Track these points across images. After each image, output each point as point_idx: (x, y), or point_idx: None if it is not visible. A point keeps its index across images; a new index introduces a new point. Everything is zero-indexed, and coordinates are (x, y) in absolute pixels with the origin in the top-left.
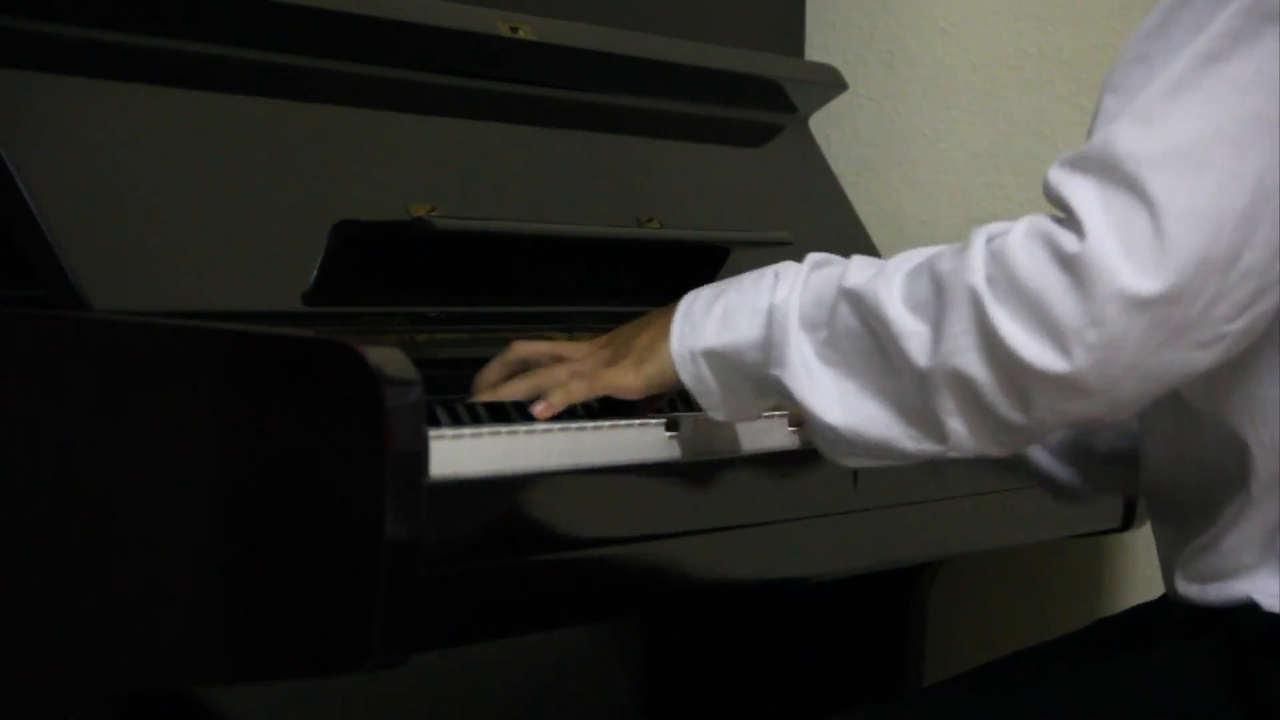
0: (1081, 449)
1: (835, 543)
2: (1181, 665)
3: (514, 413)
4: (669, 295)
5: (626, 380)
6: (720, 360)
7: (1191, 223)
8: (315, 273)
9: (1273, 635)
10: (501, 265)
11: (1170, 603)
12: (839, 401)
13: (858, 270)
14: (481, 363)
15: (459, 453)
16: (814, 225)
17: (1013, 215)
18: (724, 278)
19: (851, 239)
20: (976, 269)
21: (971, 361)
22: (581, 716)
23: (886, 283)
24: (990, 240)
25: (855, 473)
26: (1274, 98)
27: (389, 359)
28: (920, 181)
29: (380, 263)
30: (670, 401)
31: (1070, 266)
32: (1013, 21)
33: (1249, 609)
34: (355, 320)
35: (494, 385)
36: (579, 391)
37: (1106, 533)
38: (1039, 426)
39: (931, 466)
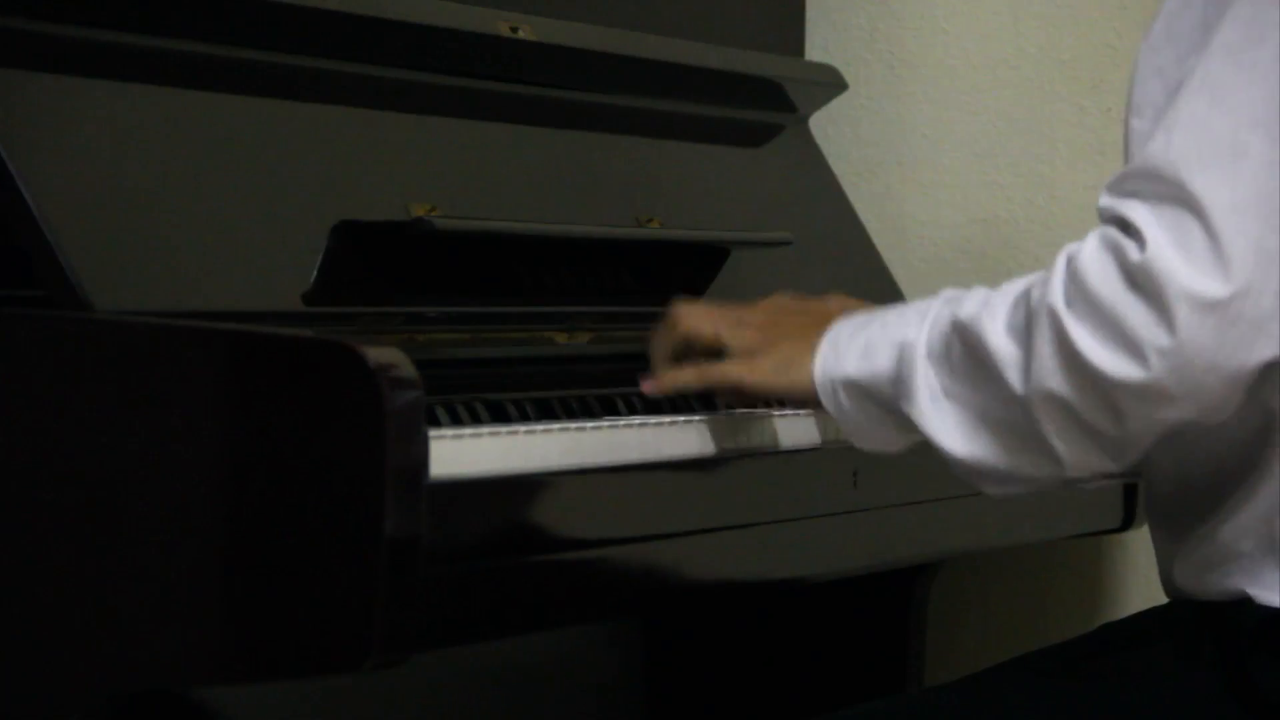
0: None
1: (835, 543)
2: (1178, 662)
3: (514, 413)
4: (669, 295)
5: (753, 381)
6: (858, 391)
7: (1241, 215)
8: (315, 273)
9: (1267, 629)
10: (501, 265)
11: (1172, 608)
12: (961, 434)
13: (971, 301)
14: (481, 363)
15: (459, 453)
16: (814, 225)
17: (1013, 215)
18: (724, 278)
19: (851, 239)
20: (1057, 290)
21: (1060, 382)
22: (582, 716)
23: (991, 313)
24: (1070, 259)
25: (855, 472)
26: None
27: (389, 359)
28: (920, 181)
29: (380, 263)
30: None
31: (1136, 277)
32: (1013, 21)
33: (1244, 604)
34: (355, 320)
35: (667, 360)
36: (689, 378)
37: (1106, 533)
38: (1138, 436)
39: (933, 465)
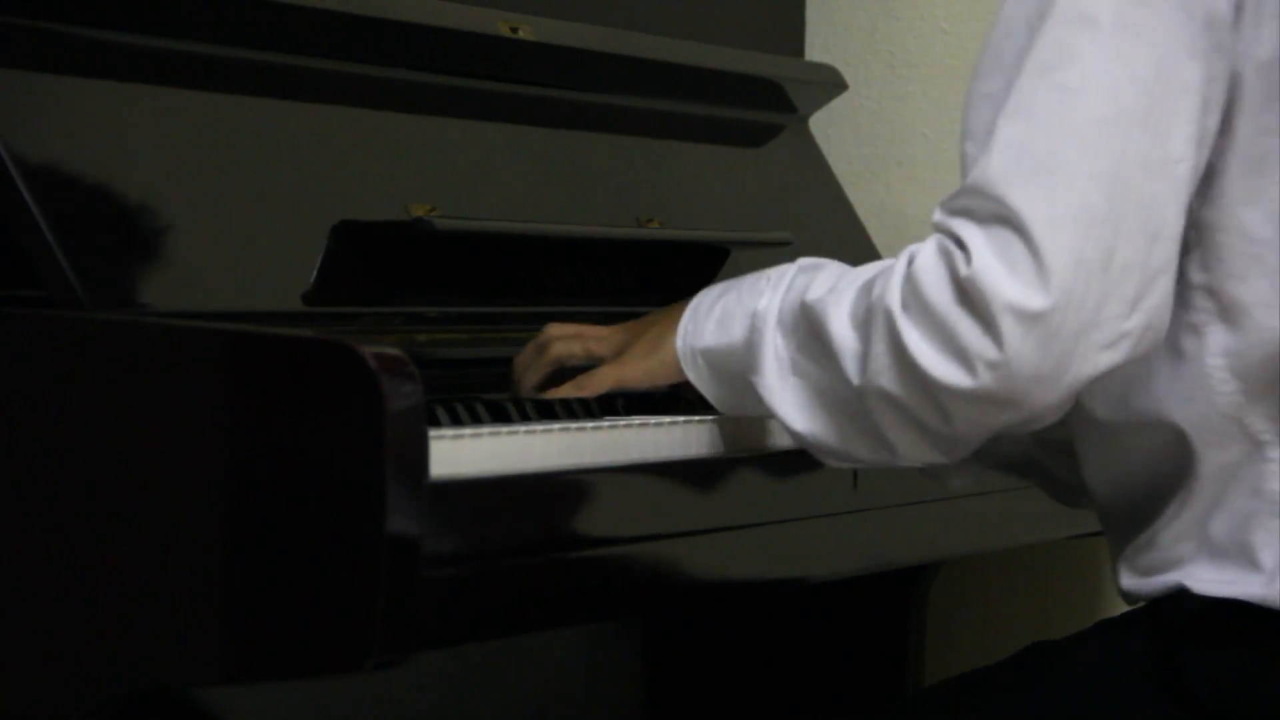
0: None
1: (835, 543)
2: (1109, 655)
3: (514, 413)
4: (669, 295)
5: (625, 372)
6: (716, 360)
7: (1058, 229)
8: (315, 273)
9: (1198, 620)
10: (501, 265)
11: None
12: (802, 412)
13: (822, 282)
14: (481, 363)
15: (459, 453)
16: (814, 225)
17: None
18: (724, 278)
19: (851, 239)
20: (895, 291)
21: (892, 381)
22: (583, 716)
23: (837, 298)
24: (910, 260)
25: (855, 473)
26: (1108, 96)
27: (389, 359)
28: (920, 181)
29: (380, 263)
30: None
31: (965, 290)
32: None
33: (1178, 595)
34: (355, 320)
35: (534, 385)
36: (568, 393)
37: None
38: (967, 435)
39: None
